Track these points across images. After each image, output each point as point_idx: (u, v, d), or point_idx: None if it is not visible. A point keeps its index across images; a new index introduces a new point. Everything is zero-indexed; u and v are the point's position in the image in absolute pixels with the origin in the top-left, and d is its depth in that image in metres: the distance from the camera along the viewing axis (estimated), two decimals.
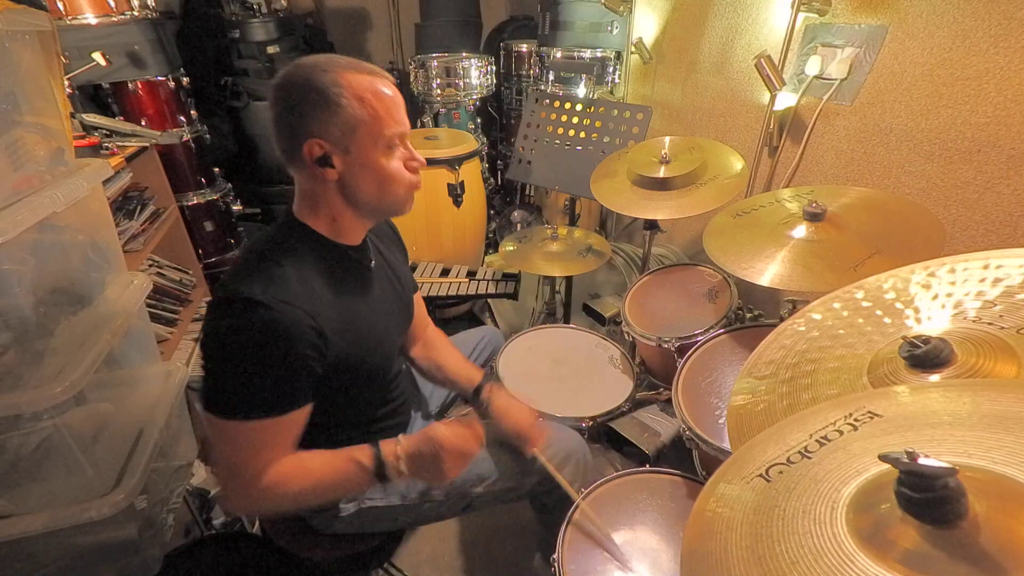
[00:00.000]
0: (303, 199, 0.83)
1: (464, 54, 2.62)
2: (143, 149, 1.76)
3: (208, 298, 2.06)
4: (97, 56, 1.65)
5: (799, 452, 0.50)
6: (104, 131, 1.62)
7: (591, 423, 1.20)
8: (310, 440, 0.83)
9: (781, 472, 0.48)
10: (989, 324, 0.61)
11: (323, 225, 0.83)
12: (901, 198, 1.10)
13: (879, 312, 0.72)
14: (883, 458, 0.38)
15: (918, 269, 0.73)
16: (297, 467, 0.79)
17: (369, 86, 0.75)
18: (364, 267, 0.91)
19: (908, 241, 0.93)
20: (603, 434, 1.28)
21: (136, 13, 1.78)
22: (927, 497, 0.36)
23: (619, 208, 1.43)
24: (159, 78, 1.90)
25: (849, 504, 0.42)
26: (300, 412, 0.79)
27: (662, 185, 1.39)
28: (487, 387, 1.08)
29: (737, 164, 1.38)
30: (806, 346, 0.75)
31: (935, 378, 0.58)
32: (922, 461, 0.36)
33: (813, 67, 1.47)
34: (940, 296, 0.68)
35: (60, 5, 1.68)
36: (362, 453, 0.83)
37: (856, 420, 0.51)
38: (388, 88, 0.78)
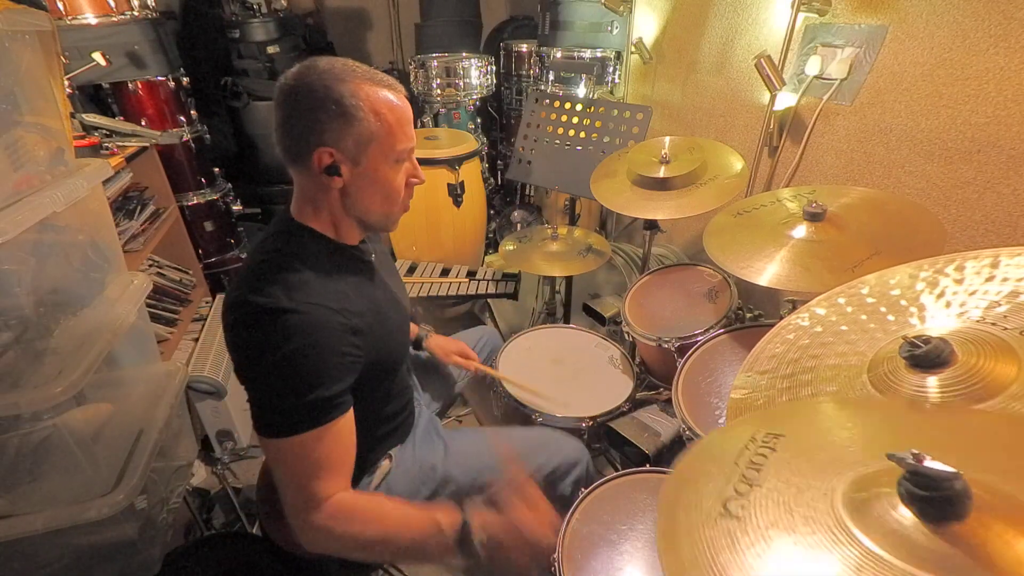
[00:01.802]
0: (304, 202, 0.82)
1: (464, 54, 2.62)
2: (143, 149, 1.76)
3: (208, 299, 2.06)
4: (97, 56, 1.65)
5: (740, 480, 0.49)
6: (104, 131, 1.62)
7: (591, 423, 1.20)
8: None
9: (743, 507, 0.46)
10: (992, 324, 0.61)
11: (326, 227, 0.83)
12: (901, 198, 1.10)
13: (883, 309, 0.72)
14: (891, 457, 0.38)
15: (926, 265, 0.72)
16: (373, 508, 0.77)
17: (385, 100, 0.75)
18: (368, 263, 0.91)
19: (908, 241, 0.93)
20: (603, 434, 1.28)
21: (136, 13, 1.78)
22: (932, 496, 0.37)
23: (619, 208, 1.43)
24: (159, 78, 1.89)
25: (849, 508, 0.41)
26: (348, 418, 0.77)
27: (662, 185, 1.39)
28: (425, 337, 1.27)
29: (737, 164, 1.38)
30: (808, 341, 0.74)
31: (934, 379, 0.58)
32: (927, 463, 0.37)
33: (813, 67, 1.47)
34: (946, 294, 0.68)
35: (60, 5, 1.68)
36: (446, 515, 0.76)
37: (765, 442, 0.52)
38: (402, 102, 0.78)
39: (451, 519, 0.76)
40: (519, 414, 1.25)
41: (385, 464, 0.99)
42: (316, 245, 0.81)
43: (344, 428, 0.76)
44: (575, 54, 2.21)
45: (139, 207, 1.77)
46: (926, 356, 0.59)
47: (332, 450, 0.75)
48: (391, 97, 0.76)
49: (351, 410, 0.79)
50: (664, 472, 1.00)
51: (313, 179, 0.78)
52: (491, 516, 0.77)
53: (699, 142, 1.46)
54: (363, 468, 0.96)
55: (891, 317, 0.70)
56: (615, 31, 2.19)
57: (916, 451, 0.37)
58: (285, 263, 0.76)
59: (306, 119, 0.73)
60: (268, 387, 0.72)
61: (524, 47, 2.65)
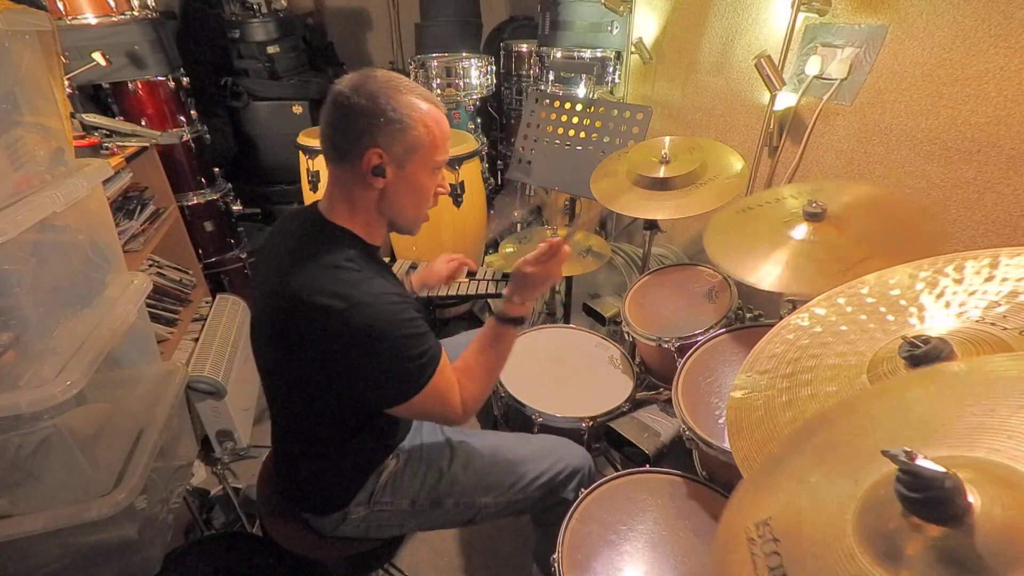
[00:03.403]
0: (341, 200, 0.86)
1: (464, 54, 2.62)
2: (143, 149, 1.76)
3: (208, 299, 2.06)
4: (97, 56, 1.65)
5: None
6: (104, 131, 1.62)
7: (591, 423, 1.20)
8: (319, 431, 0.91)
9: None
10: (992, 324, 0.61)
11: (360, 227, 0.88)
12: (901, 198, 1.10)
13: (883, 309, 0.72)
14: (885, 453, 0.38)
15: (925, 265, 0.72)
16: (473, 370, 0.92)
17: (434, 116, 0.83)
18: (386, 264, 0.96)
19: (908, 241, 0.93)
20: (603, 434, 1.28)
21: (136, 13, 1.78)
22: (925, 496, 0.36)
23: (619, 208, 1.43)
24: (159, 78, 1.89)
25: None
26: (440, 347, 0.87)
27: (662, 185, 1.39)
28: (405, 280, 1.33)
29: (737, 164, 1.38)
30: (808, 341, 0.75)
31: None
32: (919, 462, 0.36)
33: (813, 67, 1.47)
34: (946, 294, 0.68)
35: (60, 5, 1.68)
36: (486, 329, 0.95)
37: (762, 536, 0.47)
38: (444, 120, 0.86)
39: (487, 327, 0.94)
40: (519, 415, 1.25)
41: (392, 463, 1.01)
42: (354, 247, 0.86)
43: (446, 356, 0.87)
44: (575, 54, 2.21)
45: (139, 207, 1.76)
46: (926, 356, 0.59)
47: (448, 375, 0.87)
48: (439, 114, 0.85)
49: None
50: (664, 472, 1.00)
51: (357, 177, 0.83)
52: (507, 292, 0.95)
53: (699, 142, 1.46)
54: (370, 467, 0.99)
55: (891, 317, 0.70)
56: (615, 31, 2.19)
57: (908, 448, 0.37)
58: (343, 264, 0.82)
59: (363, 122, 0.79)
60: (384, 367, 0.80)
61: (524, 47, 2.65)
